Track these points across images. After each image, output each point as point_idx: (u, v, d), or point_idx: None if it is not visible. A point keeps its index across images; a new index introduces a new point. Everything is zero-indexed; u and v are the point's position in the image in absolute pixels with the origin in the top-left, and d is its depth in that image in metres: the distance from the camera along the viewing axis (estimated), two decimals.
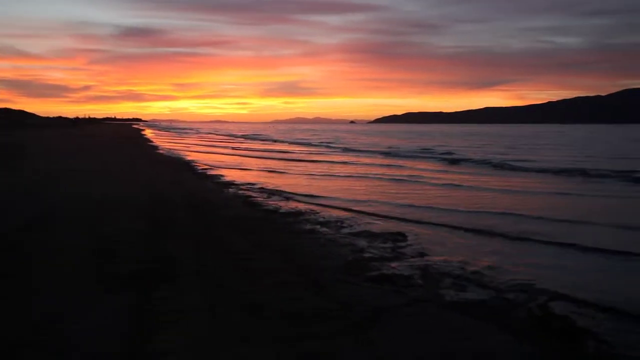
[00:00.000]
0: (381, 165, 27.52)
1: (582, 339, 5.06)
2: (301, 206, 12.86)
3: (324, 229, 10.05)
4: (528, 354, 4.74)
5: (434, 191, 16.60)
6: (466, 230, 10.28)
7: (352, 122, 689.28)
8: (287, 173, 22.35)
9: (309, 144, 52.05)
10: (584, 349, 4.88)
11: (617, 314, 5.75)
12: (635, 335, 5.22)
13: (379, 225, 10.55)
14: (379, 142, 55.91)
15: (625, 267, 7.85)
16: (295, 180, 19.53)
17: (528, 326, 5.39)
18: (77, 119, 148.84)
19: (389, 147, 44.05)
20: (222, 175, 20.02)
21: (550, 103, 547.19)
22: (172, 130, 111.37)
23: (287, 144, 54.17)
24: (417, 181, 19.32)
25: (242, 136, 77.39)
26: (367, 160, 31.34)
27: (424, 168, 25.85)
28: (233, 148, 43.92)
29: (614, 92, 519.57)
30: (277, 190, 15.83)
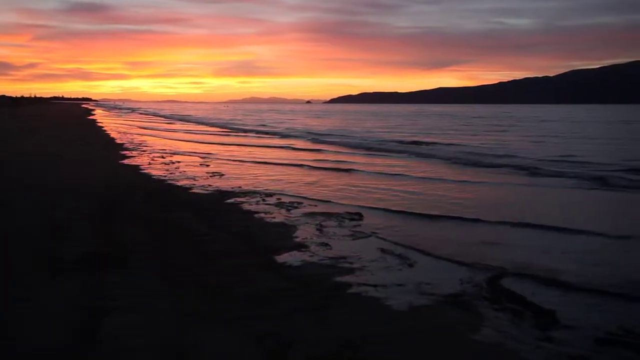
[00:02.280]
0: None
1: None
2: (250, 189, 12.68)
3: (276, 210, 9.98)
4: (474, 323, 4.88)
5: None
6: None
7: (308, 102, 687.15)
8: (223, 157, 21.12)
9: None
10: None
11: None
12: None
13: (330, 207, 10.57)
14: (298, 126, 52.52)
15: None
16: (234, 166, 18.86)
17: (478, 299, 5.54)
18: (21, 98, 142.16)
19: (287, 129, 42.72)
20: (170, 158, 19.62)
21: (501, 84, 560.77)
22: (112, 110, 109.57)
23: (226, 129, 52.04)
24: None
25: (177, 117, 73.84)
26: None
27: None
28: (172, 131, 42.07)
29: (561, 72, 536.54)
30: (221, 173, 15.42)
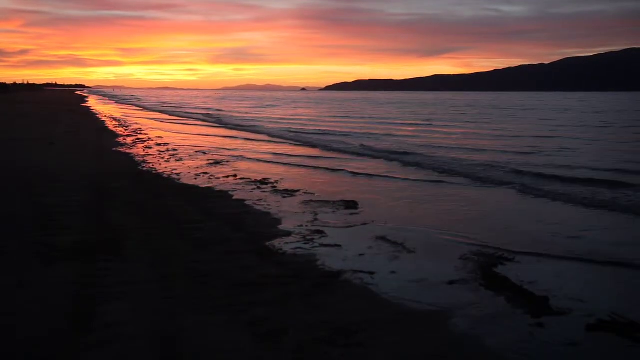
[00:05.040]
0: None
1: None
2: (241, 176, 12.68)
3: (271, 197, 9.97)
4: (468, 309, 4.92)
5: None
6: None
7: (303, 89, 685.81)
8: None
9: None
10: None
11: None
12: None
13: (326, 193, 10.56)
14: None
15: None
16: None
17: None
18: (13, 84, 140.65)
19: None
20: (161, 144, 19.55)
21: (496, 71, 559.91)
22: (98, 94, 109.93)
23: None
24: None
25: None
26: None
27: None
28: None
29: (556, 60, 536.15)
30: (221, 161, 15.56)
